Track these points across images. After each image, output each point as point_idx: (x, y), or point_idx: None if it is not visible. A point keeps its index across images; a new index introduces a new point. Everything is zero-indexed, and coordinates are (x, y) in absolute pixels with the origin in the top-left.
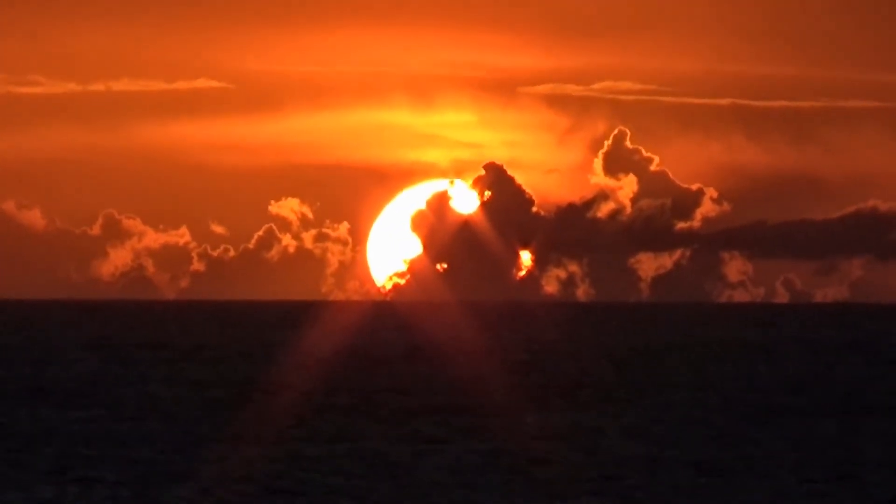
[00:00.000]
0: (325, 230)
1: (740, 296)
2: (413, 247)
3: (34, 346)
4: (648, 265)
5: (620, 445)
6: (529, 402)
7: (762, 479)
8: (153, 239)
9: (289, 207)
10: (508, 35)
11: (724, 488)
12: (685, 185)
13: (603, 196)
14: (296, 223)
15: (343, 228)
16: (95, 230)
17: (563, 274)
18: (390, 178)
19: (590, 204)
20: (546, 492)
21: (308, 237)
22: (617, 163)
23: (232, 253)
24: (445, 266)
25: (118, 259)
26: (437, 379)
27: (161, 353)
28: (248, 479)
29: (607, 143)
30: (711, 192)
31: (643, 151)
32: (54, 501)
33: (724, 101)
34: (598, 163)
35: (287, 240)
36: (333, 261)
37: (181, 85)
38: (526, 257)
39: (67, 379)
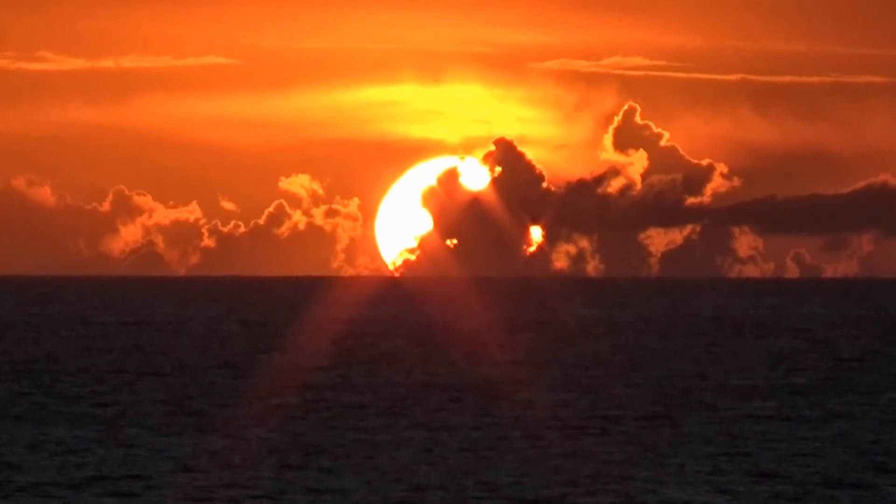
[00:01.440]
0: (335, 206)
1: (751, 271)
2: (423, 223)
3: (28, 323)
4: (659, 240)
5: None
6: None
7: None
8: (163, 215)
9: (299, 184)
10: (517, 11)
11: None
12: (695, 161)
13: (613, 172)
14: (306, 199)
15: (353, 204)
16: (105, 207)
17: (573, 249)
18: (400, 154)
19: (600, 179)
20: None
21: (318, 213)
22: (627, 138)
23: (242, 229)
24: (456, 242)
25: (128, 235)
26: (435, 356)
27: (154, 329)
28: (251, 456)
29: (617, 118)
30: (722, 168)
31: (653, 127)
32: (41, 485)
33: (734, 77)
34: (607, 138)
35: (297, 216)
36: (344, 237)
37: (190, 61)
38: (536, 233)
39: (54, 356)
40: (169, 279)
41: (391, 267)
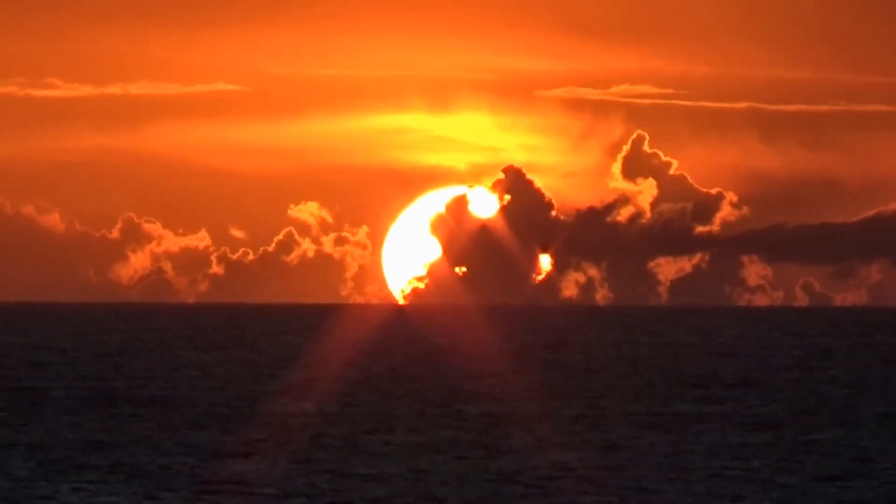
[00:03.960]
0: (344, 234)
1: (760, 299)
2: (432, 250)
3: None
4: (668, 269)
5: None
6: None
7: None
8: (173, 242)
9: (308, 211)
10: (525, 38)
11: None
12: (705, 190)
13: (623, 200)
14: (315, 227)
15: (362, 232)
16: (115, 234)
17: (582, 278)
18: (409, 182)
19: (609, 208)
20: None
21: (328, 241)
22: (636, 167)
23: (251, 256)
24: (465, 270)
25: (138, 262)
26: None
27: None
28: (260, 486)
29: (626, 147)
30: (731, 196)
31: (661, 156)
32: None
33: (741, 105)
34: (616, 167)
35: (306, 244)
36: (353, 264)
37: (199, 88)
38: (545, 261)
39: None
40: (178, 306)
41: (400, 295)
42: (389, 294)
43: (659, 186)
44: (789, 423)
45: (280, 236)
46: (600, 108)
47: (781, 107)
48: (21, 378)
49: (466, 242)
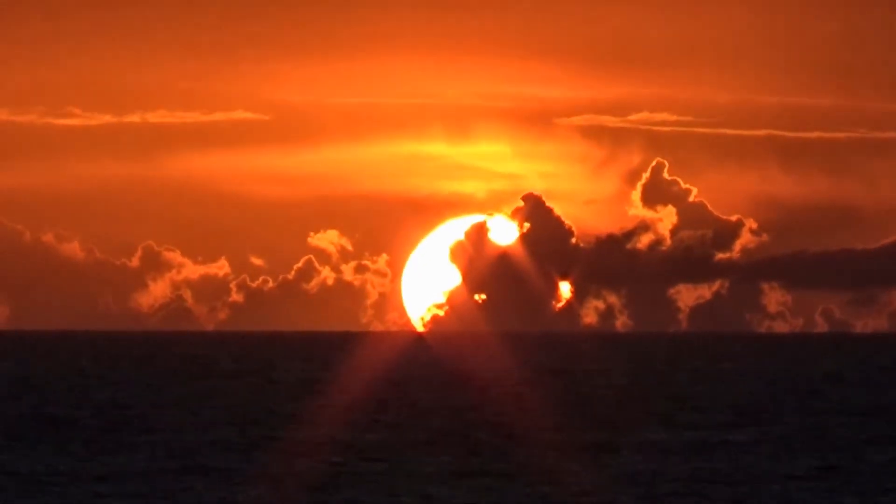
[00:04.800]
0: (364, 262)
1: (780, 326)
2: (452, 278)
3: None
4: (688, 296)
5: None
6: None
7: None
8: (192, 270)
9: (328, 239)
10: (544, 66)
11: None
12: (725, 217)
13: (643, 227)
14: (335, 255)
15: (382, 260)
16: (134, 262)
17: (601, 305)
18: (428, 210)
19: (629, 235)
20: None
21: (347, 269)
22: (655, 194)
23: (271, 284)
24: (484, 297)
25: (157, 291)
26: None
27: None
28: None
29: (645, 174)
30: (751, 223)
31: (681, 183)
32: None
33: (761, 132)
34: (636, 194)
35: (326, 271)
36: (373, 292)
37: (218, 116)
38: (565, 288)
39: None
40: (197, 334)
41: (420, 322)
42: (409, 322)
43: (678, 213)
44: (808, 449)
45: (300, 264)
46: (620, 136)
47: (801, 134)
48: (37, 406)
49: (486, 270)
